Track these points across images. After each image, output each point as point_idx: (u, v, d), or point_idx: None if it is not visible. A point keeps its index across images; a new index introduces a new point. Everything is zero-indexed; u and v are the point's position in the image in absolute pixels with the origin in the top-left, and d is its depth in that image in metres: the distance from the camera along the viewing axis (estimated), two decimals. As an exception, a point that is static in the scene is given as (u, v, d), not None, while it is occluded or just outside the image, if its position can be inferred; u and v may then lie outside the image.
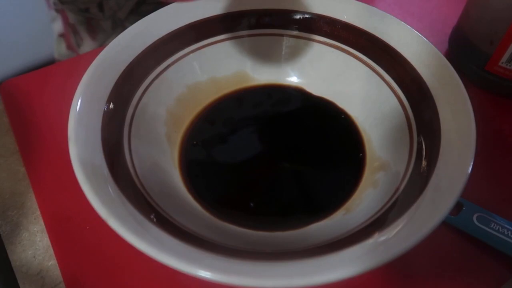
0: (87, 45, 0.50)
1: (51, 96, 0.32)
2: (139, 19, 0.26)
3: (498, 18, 0.29)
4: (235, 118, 0.29)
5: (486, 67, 0.31)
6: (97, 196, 0.18)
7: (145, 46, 0.26)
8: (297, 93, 0.30)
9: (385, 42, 0.27)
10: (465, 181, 0.19)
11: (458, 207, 0.25)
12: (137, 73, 0.25)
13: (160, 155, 0.25)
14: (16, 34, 1.01)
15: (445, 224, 0.25)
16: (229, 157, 0.27)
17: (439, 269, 0.24)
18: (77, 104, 0.22)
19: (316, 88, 0.30)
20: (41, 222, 0.26)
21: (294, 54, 0.30)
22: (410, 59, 0.25)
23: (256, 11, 0.29)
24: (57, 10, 0.49)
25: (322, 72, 0.30)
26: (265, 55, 0.30)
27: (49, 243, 0.25)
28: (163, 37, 0.27)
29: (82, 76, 0.23)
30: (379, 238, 0.18)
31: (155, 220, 0.19)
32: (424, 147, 0.23)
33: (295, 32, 0.29)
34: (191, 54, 0.28)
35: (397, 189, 0.22)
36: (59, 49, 0.52)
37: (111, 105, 0.23)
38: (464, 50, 0.33)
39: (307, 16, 0.29)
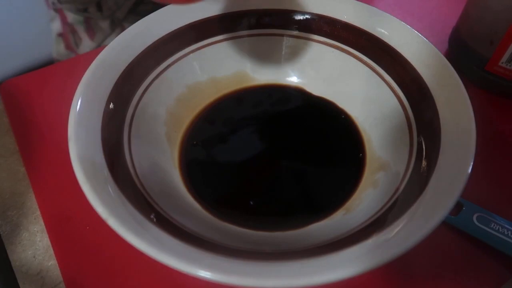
0: (86, 45, 0.50)
1: (51, 96, 0.32)
2: (137, 19, 0.26)
3: (498, 18, 0.29)
4: (235, 118, 0.29)
5: (486, 67, 0.31)
6: (97, 196, 0.18)
7: (145, 46, 0.26)
8: (297, 93, 0.30)
9: (385, 42, 0.27)
10: (465, 181, 0.19)
11: (458, 207, 0.25)
12: (137, 73, 0.25)
13: (160, 155, 0.25)
14: (16, 34, 1.01)
15: (445, 224, 0.25)
16: (229, 157, 0.27)
17: (439, 269, 0.24)
18: (77, 104, 0.22)
19: (316, 88, 0.30)
20: (41, 222, 0.26)
21: (294, 54, 0.30)
22: (410, 59, 0.25)
23: (256, 11, 0.29)
24: (56, 10, 0.49)
25: (322, 72, 0.30)
26: (265, 55, 0.30)
27: (49, 243, 0.25)
28: (163, 37, 0.27)
29: (82, 76, 0.23)
30: (379, 238, 0.18)
31: (155, 220, 0.19)
32: (424, 147, 0.23)
33: (295, 32, 0.29)
34: (191, 54, 0.28)
35: (397, 189, 0.22)
36: (57, 49, 0.52)
37: (111, 105, 0.23)
38: (464, 50, 0.33)
39: (307, 16, 0.29)
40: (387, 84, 0.27)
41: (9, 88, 0.33)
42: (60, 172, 0.28)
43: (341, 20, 0.28)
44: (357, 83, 0.28)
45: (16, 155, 0.30)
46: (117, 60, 0.25)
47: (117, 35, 0.25)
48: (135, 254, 0.17)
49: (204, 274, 0.16)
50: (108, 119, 0.23)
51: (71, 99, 0.22)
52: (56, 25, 0.51)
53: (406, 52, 0.26)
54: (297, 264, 0.17)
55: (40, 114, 0.31)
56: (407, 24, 0.26)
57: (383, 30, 0.27)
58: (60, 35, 0.51)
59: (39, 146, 0.29)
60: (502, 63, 0.30)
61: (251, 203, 0.25)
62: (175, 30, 0.27)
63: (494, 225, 0.24)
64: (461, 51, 0.33)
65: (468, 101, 0.22)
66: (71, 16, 0.49)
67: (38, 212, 0.27)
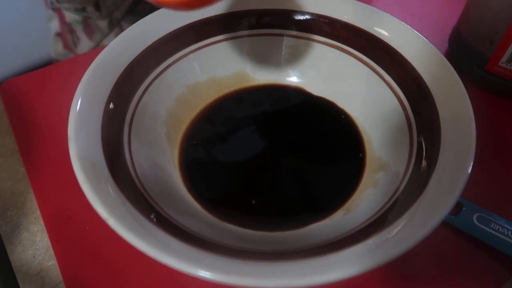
0: (84, 44, 0.50)
1: (51, 96, 0.32)
2: (136, 19, 0.26)
3: (498, 18, 0.29)
4: (235, 118, 0.29)
5: (486, 67, 0.31)
6: (97, 196, 0.18)
7: (145, 46, 0.26)
8: (297, 93, 0.30)
9: (385, 42, 0.27)
10: (465, 181, 0.19)
11: (458, 207, 0.25)
12: (137, 73, 0.25)
13: (160, 155, 0.25)
14: (16, 35, 1.01)
15: (445, 224, 0.25)
16: (229, 157, 0.27)
17: (439, 269, 0.24)
18: (77, 104, 0.22)
19: (316, 88, 0.30)
20: (41, 222, 0.26)
21: (294, 54, 0.30)
22: (410, 59, 0.25)
23: (256, 11, 0.29)
24: (54, 9, 0.49)
25: (322, 72, 0.30)
26: (265, 55, 0.30)
27: (49, 243, 0.25)
28: (163, 37, 0.27)
29: (82, 76, 0.23)
30: (379, 238, 0.18)
31: (155, 220, 0.19)
32: (424, 147, 0.23)
33: (295, 32, 0.29)
34: (191, 54, 0.28)
35: (397, 189, 0.22)
36: (56, 48, 0.52)
37: (111, 105, 0.23)
38: (464, 50, 0.33)
39: (307, 16, 0.29)
40: (387, 84, 0.27)
41: (9, 88, 0.33)
42: (60, 172, 0.28)
43: (341, 20, 0.28)
44: (357, 83, 0.28)
45: (16, 155, 0.30)
46: (117, 60, 0.25)
47: (115, 35, 0.26)
48: (135, 254, 0.17)
49: (204, 274, 0.16)
50: (108, 119, 0.23)
51: (71, 99, 0.22)
52: (55, 25, 0.50)
53: (406, 52, 0.26)
54: (297, 264, 0.18)
55: (40, 114, 0.31)
56: (407, 24, 0.26)
57: (383, 30, 0.27)
58: (58, 34, 0.51)
59: (39, 146, 0.29)
60: (502, 63, 0.30)
61: (251, 203, 0.25)
62: (175, 30, 0.27)
63: (494, 225, 0.24)
64: (461, 51, 0.33)
65: (468, 101, 0.22)
66: (69, 16, 0.49)
67: (38, 212, 0.27)
